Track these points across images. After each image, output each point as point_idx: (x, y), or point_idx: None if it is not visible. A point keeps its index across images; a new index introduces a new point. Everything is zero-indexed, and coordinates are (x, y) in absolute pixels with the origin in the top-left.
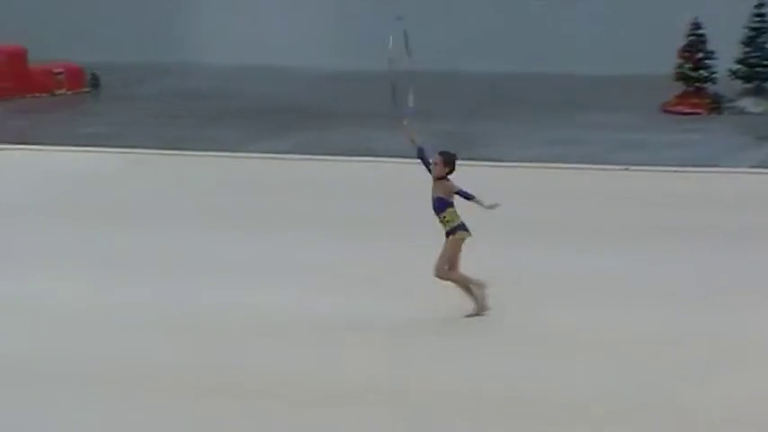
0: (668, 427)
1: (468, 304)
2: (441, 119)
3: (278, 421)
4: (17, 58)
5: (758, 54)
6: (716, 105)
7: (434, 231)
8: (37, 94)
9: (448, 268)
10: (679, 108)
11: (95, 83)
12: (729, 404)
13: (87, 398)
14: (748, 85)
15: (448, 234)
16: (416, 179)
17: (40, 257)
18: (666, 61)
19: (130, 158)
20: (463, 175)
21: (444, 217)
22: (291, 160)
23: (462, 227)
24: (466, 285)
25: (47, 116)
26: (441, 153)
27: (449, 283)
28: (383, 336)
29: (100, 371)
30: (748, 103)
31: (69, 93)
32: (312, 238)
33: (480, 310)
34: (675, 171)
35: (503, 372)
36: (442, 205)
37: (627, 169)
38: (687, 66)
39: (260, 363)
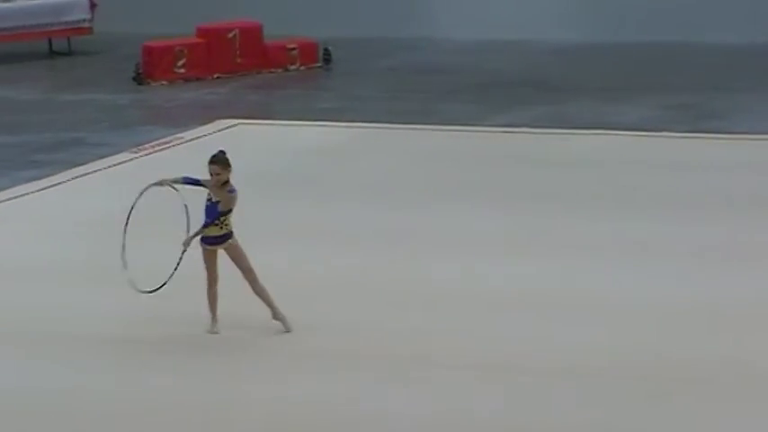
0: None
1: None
2: (674, 91)
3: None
4: (253, 33)
5: None
6: None
7: (675, 205)
8: (271, 70)
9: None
10: None
11: (328, 58)
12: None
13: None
14: None
15: (225, 238)
16: (654, 152)
17: (277, 229)
18: None
19: (364, 132)
20: (689, 147)
21: (224, 221)
22: (526, 134)
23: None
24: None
25: (282, 91)
26: (214, 160)
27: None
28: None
29: None
30: None
31: (303, 68)
32: (557, 212)
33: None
34: None
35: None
36: (220, 211)
37: None
38: None
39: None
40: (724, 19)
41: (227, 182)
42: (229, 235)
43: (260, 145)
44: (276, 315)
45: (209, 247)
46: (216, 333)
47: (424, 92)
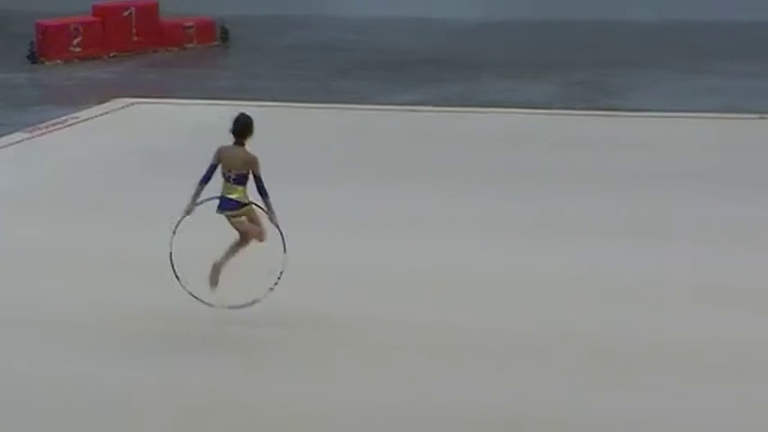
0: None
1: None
2: (578, 69)
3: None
4: (149, 12)
5: None
6: None
7: (578, 181)
8: (168, 48)
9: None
10: None
11: (225, 36)
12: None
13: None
14: None
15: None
16: (557, 129)
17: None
18: None
19: (262, 111)
20: (598, 125)
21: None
22: (423, 112)
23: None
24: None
25: (178, 70)
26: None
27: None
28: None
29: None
30: None
31: (200, 46)
32: (446, 190)
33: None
34: None
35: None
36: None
37: (762, 118)
38: None
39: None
40: None
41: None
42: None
43: (157, 124)
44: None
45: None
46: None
47: (324, 70)
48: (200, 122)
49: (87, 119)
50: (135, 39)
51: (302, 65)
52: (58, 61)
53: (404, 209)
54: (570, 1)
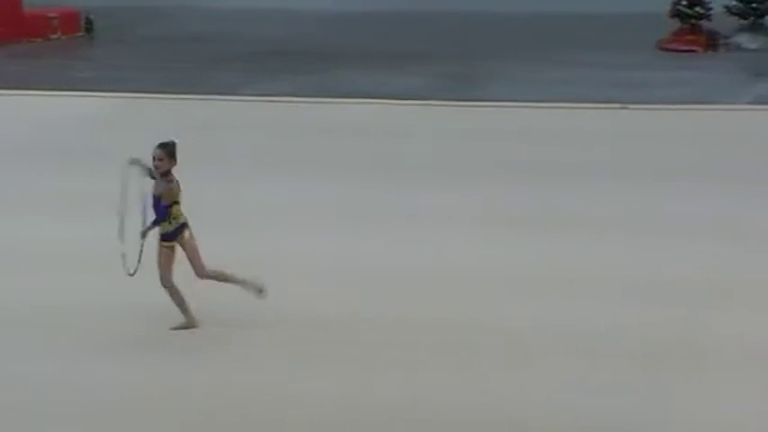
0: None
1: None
2: (440, 60)
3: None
4: (12, 2)
5: None
6: (712, 42)
7: (446, 172)
8: (31, 39)
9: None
10: (675, 45)
11: (89, 27)
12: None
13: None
14: (744, 22)
15: (178, 232)
16: (422, 120)
17: (31, 202)
18: None
19: (126, 102)
20: (461, 116)
21: (171, 215)
22: (290, 103)
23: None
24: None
25: (42, 61)
26: (160, 145)
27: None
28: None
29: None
30: (744, 40)
31: (64, 37)
32: (310, 182)
33: (189, 324)
34: (672, 109)
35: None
36: (166, 204)
37: (624, 108)
38: (683, 3)
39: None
40: None
41: (168, 172)
42: (182, 227)
43: (18, 116)
44: (251, 286)
45: (166, 244)
46: (195, 327)
47: (190, 61)
48: (65, 114)
49: None
50: None
51: (168, 56)
52: None
53: (252, 200)
54: None
